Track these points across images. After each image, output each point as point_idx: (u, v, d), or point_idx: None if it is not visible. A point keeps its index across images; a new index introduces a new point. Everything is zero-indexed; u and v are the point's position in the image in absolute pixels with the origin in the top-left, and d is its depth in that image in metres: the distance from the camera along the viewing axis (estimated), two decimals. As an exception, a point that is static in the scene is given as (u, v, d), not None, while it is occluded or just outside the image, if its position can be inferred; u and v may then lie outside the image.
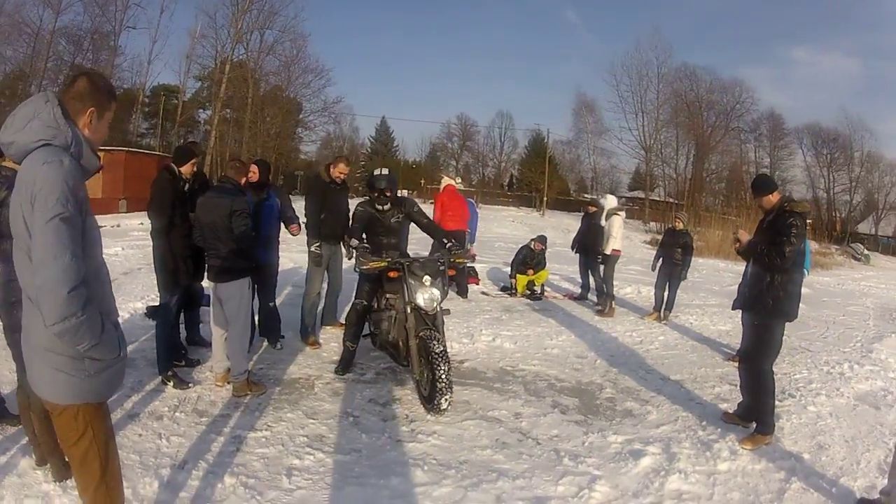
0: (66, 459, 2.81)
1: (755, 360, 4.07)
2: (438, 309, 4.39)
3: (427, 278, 4.32)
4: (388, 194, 4.86)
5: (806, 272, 5.91)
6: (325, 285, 6.01)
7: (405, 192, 45.54)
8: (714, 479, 3.42)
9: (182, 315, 4.93)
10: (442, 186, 9.04)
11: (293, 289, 7.96)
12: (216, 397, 4.16)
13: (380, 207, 4.87)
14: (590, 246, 8.79)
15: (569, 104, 57.77)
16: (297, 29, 34.94)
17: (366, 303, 4.87)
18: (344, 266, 6.08)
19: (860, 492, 3.37)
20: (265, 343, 5.39)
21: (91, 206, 1.86)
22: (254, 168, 5.11)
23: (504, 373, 5.26)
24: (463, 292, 8.62)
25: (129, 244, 11.34)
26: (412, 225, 5.10)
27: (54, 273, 1.63)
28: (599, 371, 5.51)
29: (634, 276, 11.59)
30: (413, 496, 3.01)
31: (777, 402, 4.31)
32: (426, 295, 4.29)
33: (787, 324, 4.06)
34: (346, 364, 4.87)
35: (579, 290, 9.54)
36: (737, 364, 4.56)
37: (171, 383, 4.25)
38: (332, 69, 47.78)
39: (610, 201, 8.92)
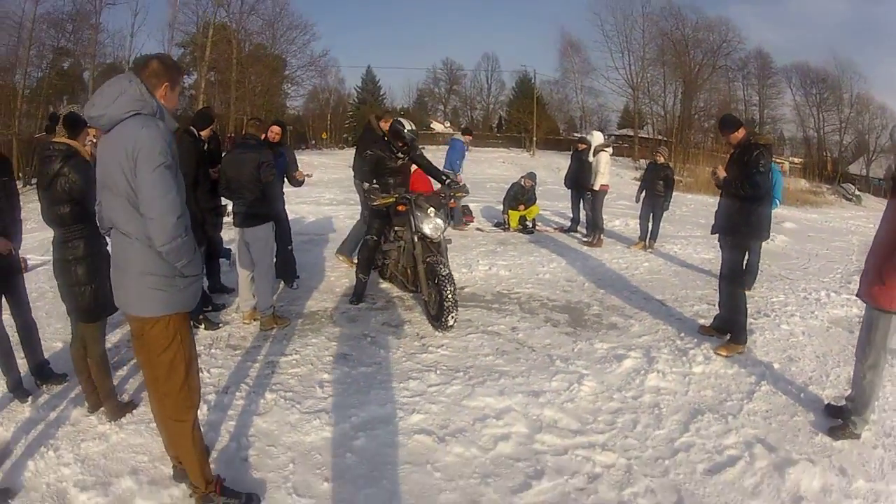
0: (120, 401, 3.31)
1: (733, 278, 4.53)
2: (442, 237, 4.92)
3: (431, 210, 4.83)
4: (408, 146, 5.28)
5: (777, 202, 6.37)
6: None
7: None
8: (689, 380, 3.95)
9: (204, 266, 5.40)
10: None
11: (296, 236, 8.38)
12: (245, 333, 4.61)
13: (401, 155, 5.27)
14: (580, 181, 9.18)
15: (555, 44, 56.61)
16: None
17: (376, 238, 5.31)
18: None
19: (828, 400, 3.70)
20: (282, 284, 5.85)
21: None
22: (276, 129, 5.64)
23: (501, 295, 5.78)
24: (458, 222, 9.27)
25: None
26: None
27: (164, 205, 2.08)
28: (587, 292, 6.04)
29: (623, 210, 12.02)
30: (429, 393, 3.56)
31: (751, 321, 4.77)
32: (431, 224, 4.78)
33: (769, 253, 4.46)
34: (359, 295, 5.36)
35: (569, 224, 10.02)
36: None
37: (203, 326, 4.67)
38: (315, 24, 46.85)
39: (596, 138, 9.24)
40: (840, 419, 3.33)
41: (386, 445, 2.99)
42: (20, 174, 16.20)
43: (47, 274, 4.91)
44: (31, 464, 2.79)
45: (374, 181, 5.08)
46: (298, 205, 10.81)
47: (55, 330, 4.46)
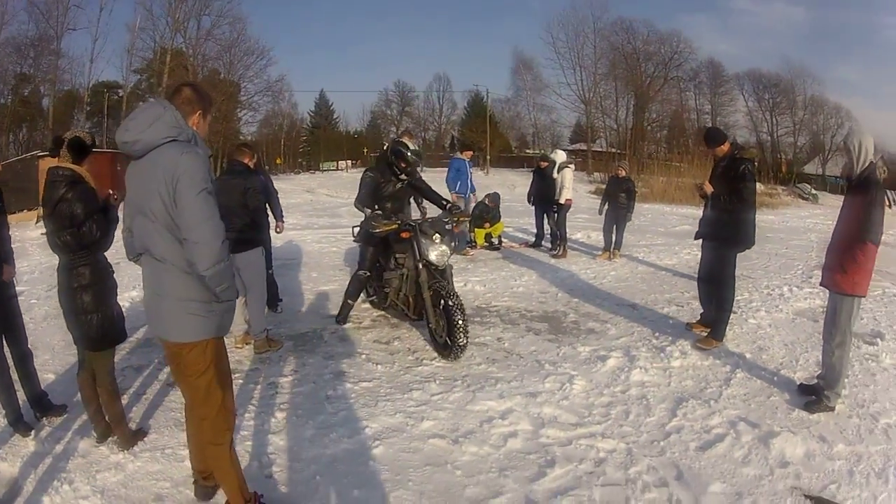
0: (132, 428, 3.29)
1: (721, 280, 4.85)
2: (447, 263, 4.87)
3: (437, 236, 4.76)
4: (411, 168, 5.23)
5: None
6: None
7: (349, 163, 45.62)
8: (669, 373, 4.29)
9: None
10: None
11: (276, 260, 8.43)
12: (240, 356, 4.66)
13: (403, 177, 5.20)
14: (544, 197, 9.60)
15: (506, 64, 58.38)
16: (233, 12, 35.60)
17: (368, 273, 5.27)
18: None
19: (800, 381, 4.06)
20: (266, 309, 5.91)
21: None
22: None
23: (480, 309, 6.03)
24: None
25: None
26: None
27: (209, 230, 2.12)
28: (562, 302, 6.37)
29: (583, 224, 12.52)
30: (433, 402, 3.76)
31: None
32: (437, 251, 4.71)
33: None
34: (344, 316, 5.39)
35: (533, 239, 10.41)
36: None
37: None
38: (271, 49, 46.96)
39: (559, 156, 9.69)
40: (814, 395, 3.71)
41: (404, 451, 3.16)
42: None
43: (24, 305, 4.83)
44: (45, 499, 2.75)
45: (376, 206, 5.04)
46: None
47: (43, 361, 4.36)
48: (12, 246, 3.56)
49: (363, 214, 5.06)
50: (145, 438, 3.32)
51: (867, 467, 3.01)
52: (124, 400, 3.78)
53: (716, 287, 4.92)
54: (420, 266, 4.69)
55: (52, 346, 4.74)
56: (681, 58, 42.69)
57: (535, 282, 7.35)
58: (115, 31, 51.27)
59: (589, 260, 8.93)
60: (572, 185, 9.37)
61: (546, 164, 9.78)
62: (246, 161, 5.02)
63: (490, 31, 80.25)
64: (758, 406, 3.72)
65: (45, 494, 2.79)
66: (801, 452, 3.13)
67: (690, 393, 3.91)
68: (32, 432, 3.36)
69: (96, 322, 3.08)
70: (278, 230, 6.26)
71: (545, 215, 9.88)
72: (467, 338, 4.44)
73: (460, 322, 4.34)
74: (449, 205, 5.27)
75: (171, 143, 2.17)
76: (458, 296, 4.51)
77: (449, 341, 4.45)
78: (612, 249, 9.00)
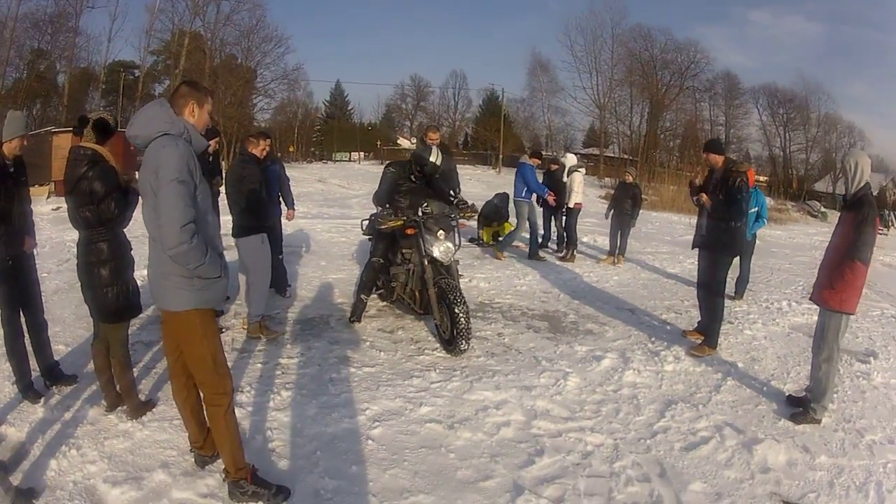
0: (141, 399, 3.45)
1: (714, 288, 5.01)
2: (452, 259, 4.94)
3: (441, 232, 4.81)
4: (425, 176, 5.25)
5: (763, 221, 7.02)
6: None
7: (361, 154, 45.78)
8: (661, 376, 4.42)
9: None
10: None
11: (286, 246, 8.59)
12: (249, 337, 4.79)
13: (414, 180, 5.22)
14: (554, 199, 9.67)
15: (523, 64, 57.98)
16: (253, -2, 34.96)
17: (382, 260, 5.25)
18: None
19: (789, 392, 4.16)
20: (274, 293, 6.08)
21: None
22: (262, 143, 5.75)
23: (483, 305, 6.18)
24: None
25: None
26: None
27: (172, 215, 2.33)
28: (563, 302, 6.49)
29: (591, 228, 12.59)
30: (432, 389, 3.92)
31: (715, 326, 5.25)
32: (442, 247, 4.75)
33: (733, 268, 4.99)
34: (359, 314, 5.27)
35: (540, 240, 10.51)
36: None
37: None
38: (290, 37, 47.10)
39: (570, 159, 9.79)
40: (801, 407, 3.83)
41: (401, 433, 3.32)
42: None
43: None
44: (53, 463, 2.86)
45: (388, 204, 5.11)
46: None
47: (54, 333, 4.48)
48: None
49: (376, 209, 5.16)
50: (154, 409, 3.46)
51: (848, 480, 3.11)
52: (135, 372, 3.92)
53: (709, 293, 5.07)
54: (426, 262, 4.76)
55: (63, 319, 4.92)
56: (697, 67, 42.72)
57: (538, 282, 7.47)
58: (134, 11, 51.68)
59: (593, 263, 9.04)
60: (582, 189, 9.46)
61: (556, 166, 9.88)
62: (250, 150, 5.08)
63: (507, 29, 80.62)
64: (745, 413, 3.84)
65: (52, 458, 2.90)
66: (783, 460, 3.25)
67: (680, 396, 4.04)
68: (42, 399, 3.48)
69: (112, 295, 3.22)
70: (289, 218, 6.42)
71: (553, 217, 9.99)
72: (469, 343, 4.53)
73: (462, 321, 4.42)
74: (455, 200, 5.34)
75: (163, 136, 2.43)
76: (465, 302, 4.54)
77: (450, 343, 4.58)
78: (616, 254, 9.10)
